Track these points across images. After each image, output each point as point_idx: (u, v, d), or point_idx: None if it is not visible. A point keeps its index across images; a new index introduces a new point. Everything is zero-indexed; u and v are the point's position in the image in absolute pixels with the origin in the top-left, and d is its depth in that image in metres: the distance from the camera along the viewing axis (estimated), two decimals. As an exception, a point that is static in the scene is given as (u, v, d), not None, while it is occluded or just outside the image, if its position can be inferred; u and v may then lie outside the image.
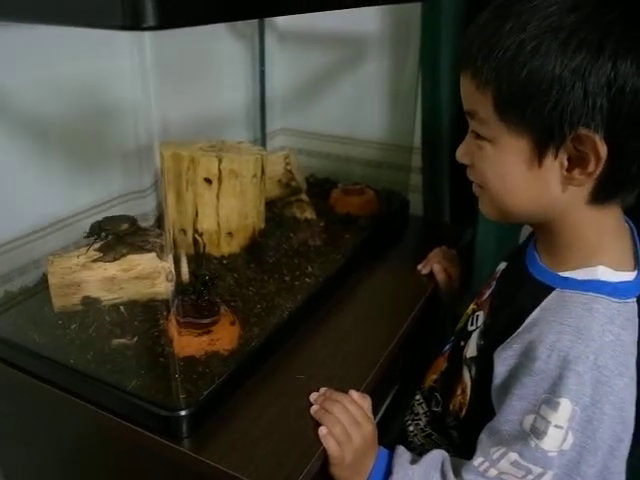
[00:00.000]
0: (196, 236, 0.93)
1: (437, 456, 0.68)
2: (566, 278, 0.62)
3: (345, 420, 0.68)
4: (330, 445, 0.66)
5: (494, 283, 0.79)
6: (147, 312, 0.79)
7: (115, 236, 0.79)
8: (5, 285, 0.85)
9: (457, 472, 0.65)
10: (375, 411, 0.75)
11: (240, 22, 1.22)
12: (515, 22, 0.55)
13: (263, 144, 1.37)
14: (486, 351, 0.68)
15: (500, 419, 0.62)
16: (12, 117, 0.84)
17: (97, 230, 0.79)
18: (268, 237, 0.98)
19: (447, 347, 0.84)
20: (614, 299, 0.59)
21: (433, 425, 0.80)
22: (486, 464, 0.63)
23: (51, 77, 0.86)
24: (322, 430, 0.67)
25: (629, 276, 0.61)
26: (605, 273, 0.60)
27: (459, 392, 0.74)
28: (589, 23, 0.53)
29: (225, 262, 0.93)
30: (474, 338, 0.73)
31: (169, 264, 0.78)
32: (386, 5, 1.14)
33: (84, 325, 0.76)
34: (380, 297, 0.96)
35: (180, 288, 0.75)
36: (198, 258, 0.92)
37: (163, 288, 0.78)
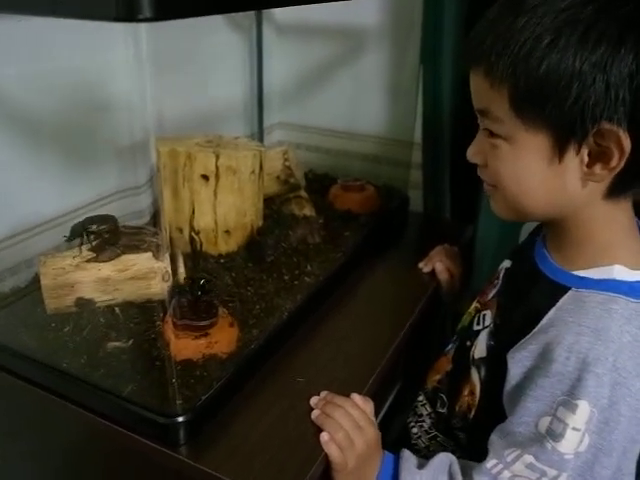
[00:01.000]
0: (193, 234, 0.91)
1: (444, 459, 0.67)
2: (581, 277, 0.61)
3: (347, 425, 0.66)
4: (332, 451, 0.65)
5: (498, 282, 0.77)
6: (143, 314, 0.77)
7: (108, 236, 0.76)
8: (-4, 285, 0.83)
9: (466, 474, 0.64)
10: (377, 411, 0.74)
11: (237, 14, 1.20)
12: (529, 16, 0.54)
13: (260, 139, 1.35)
14: (497, 352, 0.67)
15: (514, 421, 0.61)
16: (3, 112, 0.82)
17: (80, 231, 0.77)
18: (266, 235, 0.96)
19: (450, 347, 0.82)
20: (632, 299, 0.58)
21: (438, 427, 0.79)
22: (499, 466, 0.61)
23: (43, 71, 0.84)
24: (324, 436, 0.65)
25: None
26: (621, 272, 0.60)
27: (466, 393, 0.73)
28: (606, 16, 0.52)
29: (223, 261, 0.91)
30: (482, 338, 0.72)
31: (165, 264, 0.76)
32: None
33: (78, 327, 0.74)
34: (381, 296, 0.94)
35: (177, 289, 0.73)
36: (195, 257, 0.90)
37: (159, 289, 0.76)
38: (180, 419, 0.63)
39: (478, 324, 0.75)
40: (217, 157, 0.87)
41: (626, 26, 0.51)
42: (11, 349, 0.72)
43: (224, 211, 0.90)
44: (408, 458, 0.69)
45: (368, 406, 0.71)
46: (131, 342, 0.72)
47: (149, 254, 0.77)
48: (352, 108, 1.30)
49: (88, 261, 0.76)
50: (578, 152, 0.56)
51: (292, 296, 0.83)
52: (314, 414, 0.68)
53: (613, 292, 0.59)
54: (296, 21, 1.29)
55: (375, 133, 1.31)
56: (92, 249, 0.77)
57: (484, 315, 0.75)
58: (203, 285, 0.71)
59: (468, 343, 0.76)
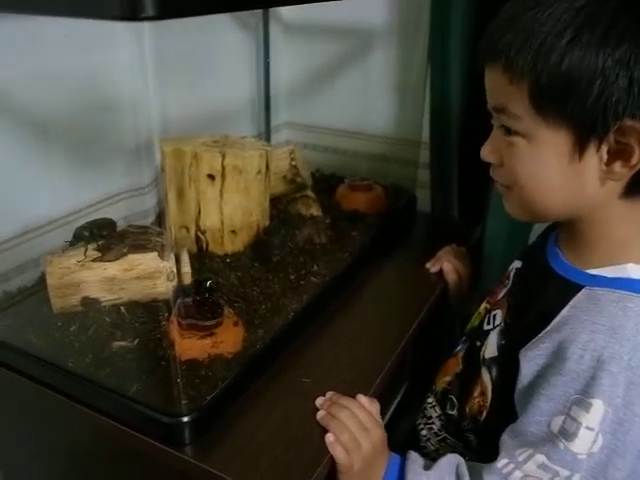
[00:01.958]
0: (199, 234, 0.91)
1: (452, 460, 0.67)
2: (595, 276, 0.61)
3: (353, 426, 0.66)
4: (338, 453, 0.64)
5: (508, 282, 0.77)
6: (148, 313, 0.77)
7: (113, 238, 0.76)
8: (3, 285, 0.83)
9: (475, 475, 0.63)
10: (383, 412, 0.74)
11: (244, 13, 1.19)
12: (551, 11, 0.54)
13: (268, 138, 1.34)
14: (508, 351, 0.66)
15: (525, 420, 0.60)
16: (11, 113, 0.82)
17: (83, 235, 0.77)
18: (273, 235, 0.96)
19: (459, 348, 0.82)
20: None
21: (448, 429, 0.78)
22: (511, 466, 0.61)
23: (49, 71, 0.84)
24: (329, 437, 0.65)
25: None
26: (635, 270, 0.59)
27: (477, 394, 0.72)
28: (628, 11, 0.51)
29: (229, 261, 0.91)
30: (493, 338, 0.71)
31: (170, 264, 0.76)
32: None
33: (83, 327, 0.74)
34: (388, 297, 0.94)
35: (182, 289, 0.73)
36: (201, 257, 0.90)
37: (165, 288, 0.76)
38: (185, 419, 0.62)
39: (488, 324, 0.75)
40: (223, 157, 0.87)
41: None
42: (17, 348, 0.72)
43: (230, 211, 0.90)
44: (415, 459, 0.68)
45: (374, 407, 0.71)
46: (136, 341, 0.72)
47: (155, 254, 0.77)
48: (359, 107, 1.30)
49: (94, 260, 0.76)
50: (598, 149, 0.55)
51: (298, 296, 0.83)
52: (319, 415, 0.68)
53: (627, 290, 0.58)
54: (303, 20, 1.28)
55: (382, 132, 1.30)
56: (98, 249, 0.77)
57: (494, 315, 0.74)
58: (210, 287, 0.71)
59: (478, 343, 0.75)
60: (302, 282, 0.87)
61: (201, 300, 0.72)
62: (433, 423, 0.80)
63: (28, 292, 0.83)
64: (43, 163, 0.88)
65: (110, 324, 0.75)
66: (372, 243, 1.01)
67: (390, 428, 0.72)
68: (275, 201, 1.04)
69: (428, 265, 0.99)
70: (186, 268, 0.80)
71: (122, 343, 0.72)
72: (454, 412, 0.77)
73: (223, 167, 0.87)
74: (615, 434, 0.56)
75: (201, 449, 0.63)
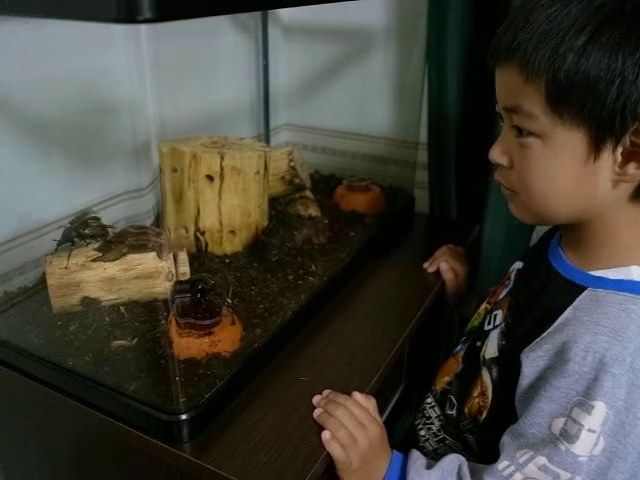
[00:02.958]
0: (198, 234, 0.92)
1: (454, 460, 0.66)
2: (598, 277, 0.61)
3: (349, 423, 0.66)
4: (334, 450, 0.65)
5: (509, 282, 0.77)
6: (147, 313, 0.77)
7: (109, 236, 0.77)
8: (4, 285, 0.84)
9: (476, 476, 0.63)
10: (381, 411, 0.74)
11: (243, 14, 1.20)
12: (567, 10, 0.53)
13: (267, 140, 1.35)
14: (509, 352, 0.66)
15: (526, 422, 0.60)
16: (11, 115, 0.83)
17: (71, 235, 0.77)
18: (271, 235, 0.96)
19: (458, 348, 0.82)
20: None
21: (447, 429, 0.77)
22: (511, 468, 0.60)
23: (49, 74, 0.85)
24: (325, 434, 0.65)
25: None
26: (639, 273, 0.59)
27: (476, 394, 0.72)
28: None
29: (227, 261, 0.91)
30: (493, 338, 0.71)
31: (169, 264, 0.76)
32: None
33: (83, 326, 0.75)
34: (385, 296, 0.94)
35: (180, 289, 0.73)
36: (200, 257, 0.91)
37: (163, 288, 0.77)
38: (184, 417, 0.63)
39: (489, 324, 0.74)
40: (222, 158, 0.87)
41: None
42: (18, 347, 0.73)
43: (229, 211, 0.91)
44: (417, 458, 0.68)
45: (371, 404, 0.71)
46: (136, 341, 0.73)
47: (154, 254, 0.77)
48: (358, 109, 1.31)
49: (94, 260, 0.76)
50: (614, 151, 0.55)
51: (296, 296, 0.84)
52: (316, 413, 0.68)
53: (631, 292, 0.58)
54: (302, 22, 1.29)
55: (381, 133, 1.31)
56: (98, 249, 0.77)
57: (495, 315, 0.74)
58: (202, 288, 0.71)
59: (478, 343, 0.75)
60: (300, 282, 0.87)
61: (199, 300, 0.73)
62: (432, 423, 0.80)
63: (28, 292, 0.83)
64: (43, 165, 0.88)
65: (110, 323, 0.75)
66: (370, 243, 1.01)
67: (388, 427, 0.72)
68: (274, 202, 1.05)
69: (425, 265, 1.00)
70: (185, 268, 0.80)
71: (121, 342, 0.72)
72: (453, 412, 0.76)
73: (222, 168, 0.88)
74: (616, 437, 0.55)
75: (199, 446, 0.64)
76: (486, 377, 0.70)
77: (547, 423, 0.58)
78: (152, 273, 0.78)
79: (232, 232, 0.92)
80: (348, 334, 0.84)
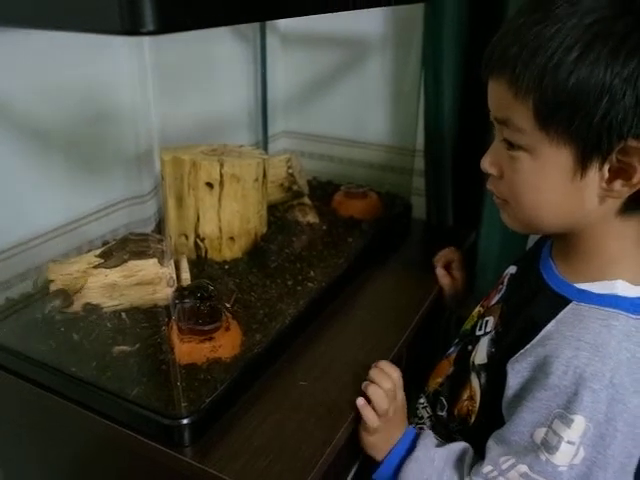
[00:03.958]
0: (198, 241, 0.92)
1: (464, 446, 0.70)
2: (583, 291, 0.61)
3: (385, 395, 0.72)
4: (368, 414, 0.71)
5: (503, 287, 0.78)
6: (149, 319, 0.78)
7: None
8: (6, 292, 0.85)
9: (473, 470, 0.66)
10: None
11: (241, 24, 1.21)
12: (558, 27, 0.52)
13: (265, 147, 1.36)
14: (498, 360, 0.67)
15: (510, 429, 0.62)
16: (12, 123, 0.84)
17: None
18: (270, 241, 0.97)
19: (452, 350, 0.83)
20: (632, 315, 0.58)
21: (437, 430, 0.79)
22: (494, 473, 0.62)
23: (51, 83, 0.86)
24: (360, 401, 0.71)
25: None
26: (624, 287, 0.59)
27: (465, 397, 0.73)
28: (638, 30, 0.50)
29: (227, 267, 0.92)
30: (484, 344, 0.72)
31: (170, 270, 0.77)
32: (388, 6, 1.13)
33: (85, 332, 0.76)
34: (383, 302, 0.95)
35: (181, 294, 0.74)
36: (200, 263, 0.92)
37: (164, 294, 0.77)
38: (185, 421, 0.64)
39: (480, 329, 0.75)
40: (221, 165, 0.88)
41: None
42: (20, 352, 0.73)
43: (228, 218, 0.92)
44: (428, 435, 0.74)
45: (398, 376, 0.75)
46: (137, 346, 0.73)
47: (155, 260, 0.78)
48: (355, 116, 1.32)
49: (95, 267, 0.77)
50: (600, 168, 0.54)
51: (295, 301, 0.84)
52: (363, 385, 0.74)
53: (614, 308, 0.58)
54: (300, 30, 1.30)
55: (378, 141, 1.32)
56: (100, 255, 0.78)
57: (487, 321, 0.75)
58: (203, 294, 0.72)
59: (469, 347, 0.76)
60: (299, 288, 0.88)
61: (200, 305, 0.73)
62: (424, 423, 0.81)
63: (30, 299, 0.84)
64: (45, 172, 0.89)
65: (111, 329, 0.76)
66: (368, 249, 1.02)
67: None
68: (272, 208, 1.06)
69: (435, 260, 1.02)
70: (185, 274, 0.81)
71: (123, 348, 0.73)
72: (443, 413, 0.78)
73: (221, 175, 0.89)
74: (596, 447, 0.56)
75: (200, 450, 0.65)
76: (475, 382, 0.72)
77: (529, 432, 0.60)
78: (153, 279, 0.79)
79: (231, 239, 0.93)
80: (346, 338, 0.85)
